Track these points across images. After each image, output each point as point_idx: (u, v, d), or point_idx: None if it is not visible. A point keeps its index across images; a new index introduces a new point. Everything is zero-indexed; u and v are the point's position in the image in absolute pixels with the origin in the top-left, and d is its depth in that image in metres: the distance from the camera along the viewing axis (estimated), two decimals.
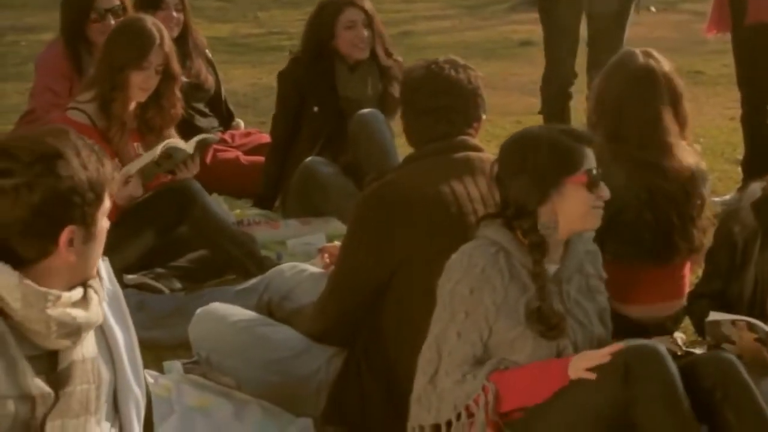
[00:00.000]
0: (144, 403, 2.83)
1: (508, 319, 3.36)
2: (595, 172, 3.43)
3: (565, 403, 3.26)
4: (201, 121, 6.12)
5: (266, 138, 6.25)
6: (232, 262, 4.86)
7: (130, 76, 4.80)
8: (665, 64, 4.26)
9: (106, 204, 2.62)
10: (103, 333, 2.73)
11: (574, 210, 3.42)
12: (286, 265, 4.48)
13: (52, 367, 2.59)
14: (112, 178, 2.62)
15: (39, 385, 2.54)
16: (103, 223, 2.63)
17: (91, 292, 2.65)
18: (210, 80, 6.27)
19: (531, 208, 3.41)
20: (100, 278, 2.71)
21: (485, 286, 3.35)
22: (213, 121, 6.23)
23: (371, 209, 3.83)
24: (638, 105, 4.17)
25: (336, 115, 5.75)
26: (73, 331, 2.59)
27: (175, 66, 4.91)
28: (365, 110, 5.57)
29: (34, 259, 2.54)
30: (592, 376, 3.22)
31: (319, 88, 5.77)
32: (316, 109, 5.76)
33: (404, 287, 3.77)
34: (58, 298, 2.55)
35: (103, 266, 2.74)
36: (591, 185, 3.42)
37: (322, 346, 3.94)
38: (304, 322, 4.03)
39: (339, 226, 5.31)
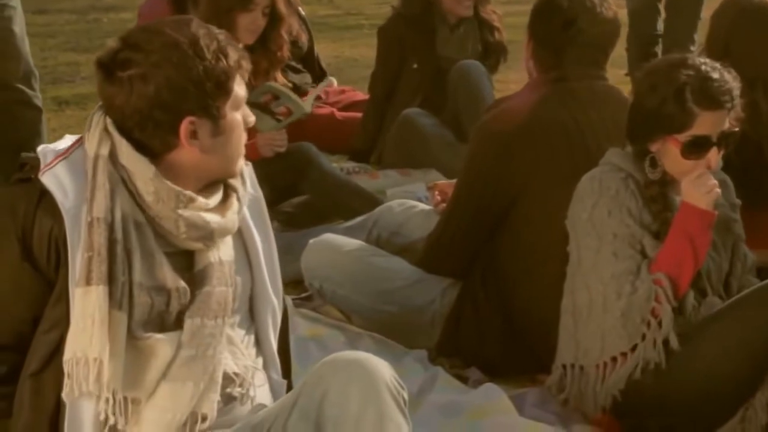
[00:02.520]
0: (280, 314, 2.77)
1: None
2: (706, 140, 3.22)
3: (716, 335, 3.18)
4: (294, 77, 6.08)
5: (360, 95, 6.23)
6: (356, 215, 4.81)
7: (236, 18, 4.74)
8: None
9: (238, 95, 2.54)
10: (241, 237, 2.67)
11: (673, 167, 3.29)
12: (394, 202, 4.43)
13: (189, 266, 2.56)
14: (239, 67, 2.54)
15: (174, 278, 2.51)
16: (236, 117, 2.56)
17: (233, 198, 2.61)
18: (303, 37, 6.24)
19: (639, 143, 3.33)
20: (244, 182, 2.66)
21: (622, 208, 3.27)
22: (306, 77, 6.18)
23: (490, 136, 3.74)
24: (748, 39, 4.07)
25: (434, 74, 5.70)
26: (206, 235, 2.54)
27: (282, 7, 4.85)
28: (466, 61, 5.53)
29: (161, 151, 2.51)
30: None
31: (419, 46, 5.73)
32: (415, 66, 5.73)
33: (523, 216, 3.70)
34: (191, 200, 2.51)
35: (247, 171, 2.68)
36: (687, 153, 3.24)
37: (437, 277, 3.88)
38: (417, 255, 3.97)
39: (438, 178, 5.24)
